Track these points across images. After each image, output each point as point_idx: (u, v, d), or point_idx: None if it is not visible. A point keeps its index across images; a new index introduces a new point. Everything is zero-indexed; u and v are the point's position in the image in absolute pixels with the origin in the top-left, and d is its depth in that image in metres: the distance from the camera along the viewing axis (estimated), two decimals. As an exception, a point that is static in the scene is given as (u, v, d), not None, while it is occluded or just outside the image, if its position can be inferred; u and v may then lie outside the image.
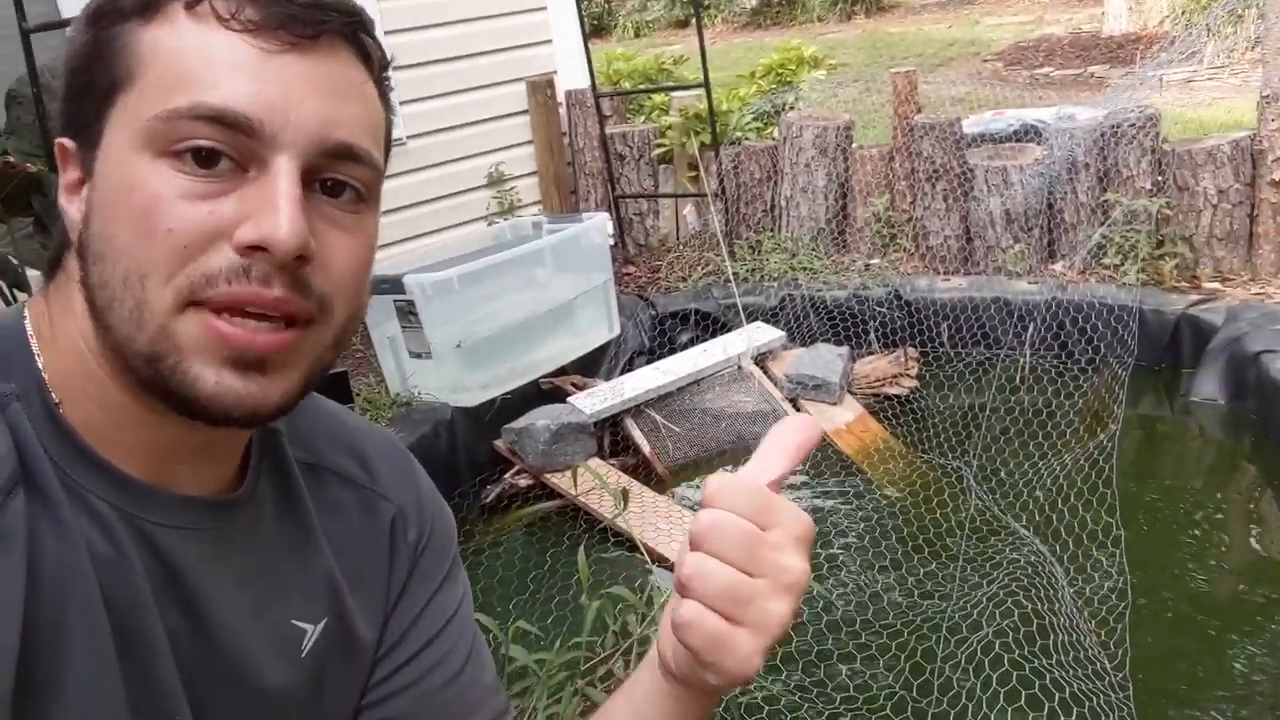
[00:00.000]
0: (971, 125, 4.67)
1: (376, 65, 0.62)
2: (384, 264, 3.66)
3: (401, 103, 4.35)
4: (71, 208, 0.60)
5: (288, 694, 0.70)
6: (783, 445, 0.62)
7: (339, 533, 0.76)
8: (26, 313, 0.63)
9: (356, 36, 0.60)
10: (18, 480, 0.56)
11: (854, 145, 4.49)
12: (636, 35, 12.27)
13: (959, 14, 11.46)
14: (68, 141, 0.61)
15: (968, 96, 6.27)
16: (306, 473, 0.75)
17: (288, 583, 0.71)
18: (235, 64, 0.55)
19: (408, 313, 3.33)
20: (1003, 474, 3.02)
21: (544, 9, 4.82)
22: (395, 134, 3.88)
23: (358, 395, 3.44)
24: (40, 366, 0.61)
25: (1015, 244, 4.07)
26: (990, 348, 3.86)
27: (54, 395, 0.60)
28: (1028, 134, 4.58)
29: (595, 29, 12.57)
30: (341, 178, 0.59)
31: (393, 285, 3.30)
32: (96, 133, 0.58)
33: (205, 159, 0.55)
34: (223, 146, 0.55)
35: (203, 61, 0.55)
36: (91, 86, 0.58)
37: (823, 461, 3.25)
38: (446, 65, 4.49)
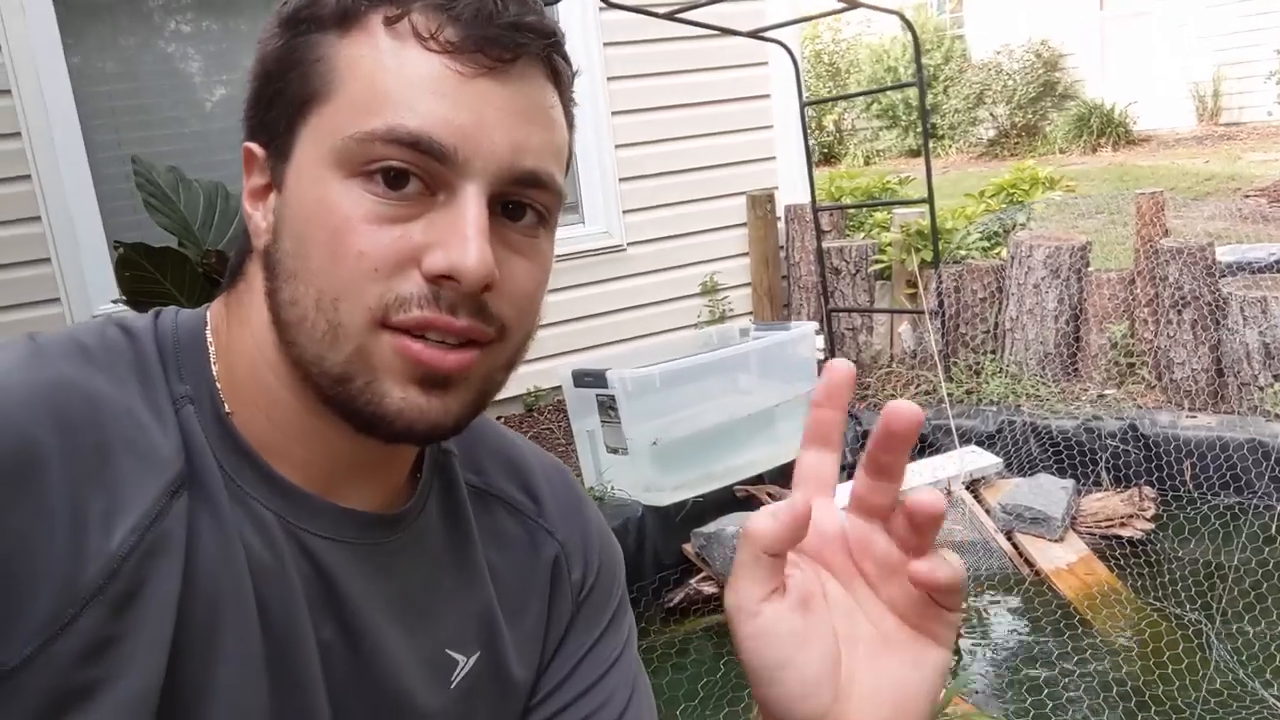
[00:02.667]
0: (1227, 253, 4.30)
1: (566, 83, 0.62)
2: (591, 361, 3.72)
3: (624, 212, 4.51)
4: (257, 214, 0.61)
5: None
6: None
7: (501, 564, 0.72)
8: (208, 317, 0.64)
9: (551, 59, 0.59)
10: (183, 482, 0.56)
11: (1090, 268, 4.22)
12: (866, 163, 12.30)
13: (1218, 149, 10.77)
14: (256, 147, 0.61)
15: (1226, 231, 5.82)
16: (475, 497, 0.73)
17: (444, 609, 0.68)
18: (432, 88, 0.55)
19: (608, 407, 3.36)
20: (1251, 635, 2.63)
21: (770, 127, 4.90)
22: (615, 241, 4.04)
23: (553, 486, 3.47)
24: (215, 373, 0.61)
25: (1275, 382, 3.65)
26: (1241, 493, 3.43)
27: (225, 402, 0.61)
28: (1293, 265, 4.16)
29: (825, 156, 12.72)
30: (525, 200, 0.59)
31: (596, 379, 3.34)
32: (287, 144, 0.59)
33: (394, 180, 0.55)
34: (414, 169, 0.55)
35: (400, 83, 0.55)
36: (284, 96, 0.59)
37: (1039, 601, 2.95)
38: (670, 178, 4.62)
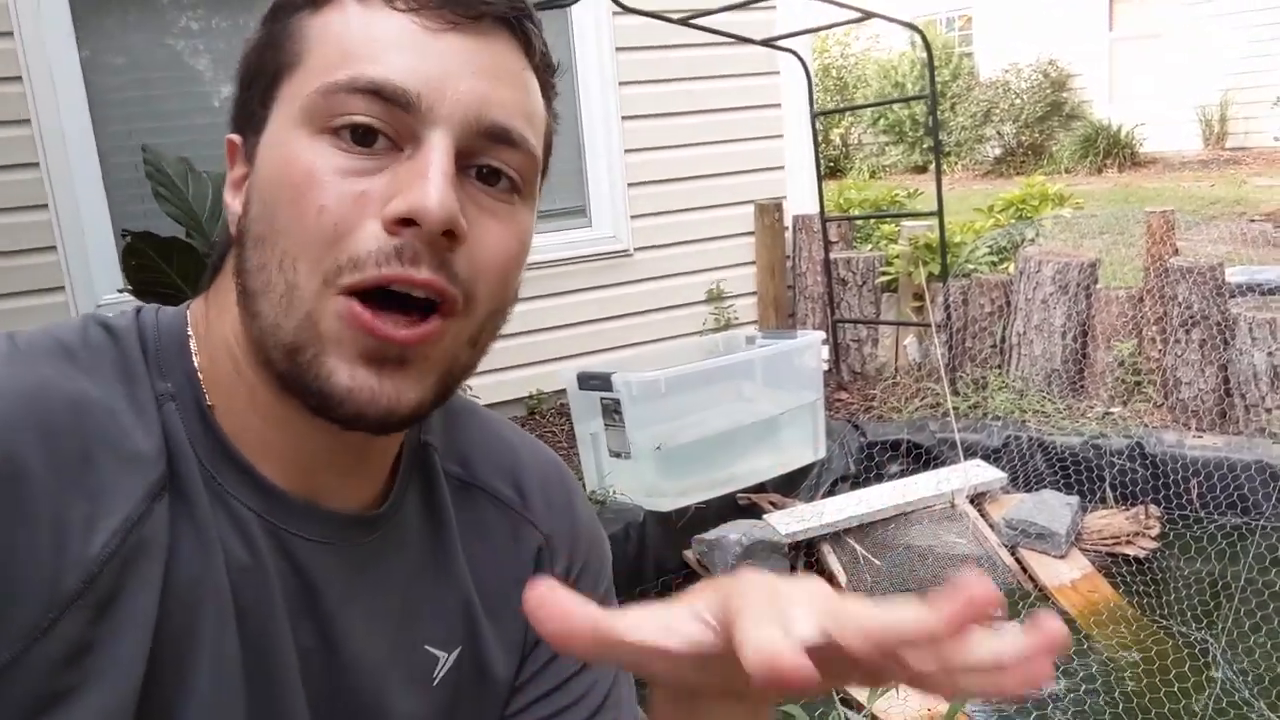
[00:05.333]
0: (1236, 274, 4.28)
1: (538, 56, 0.61)
2: (596, 365, 3.70)
3: (632, 217, 4.50)
4: (235, 202, 0.60)
5: None
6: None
7: (483, 558, 0.70)
8: (188, 313, 0.64)
9: (520, 24, 0.59)
10: (165, 484, 0.55)
11: (1099, 285, 4.21)
12: (872, 177, 12.31)
13: (1224, 173, 10.78)
14: (235, 137, 0.61)
15: (1231, 255, 5.81)
16: (458, 490, 0.71)
17: (424, 605, 0.67)
18: (397, 41, 0.55)
19: (612, 411, 3.34)
20: (1257, 655, 2.61)
21: (780, 136, 4.90)
22: (622, 245, 4.02)
23: (555, 489, 3.45)
24: (196, 367, 0.60)
25: (1283, 404, 3.63)
26: (1246, 514, 3.41)
27: (207, 397, 0.59)
28: (1301, 288, 4.14)
29: (831, 170, 12.73)
30: (497, 164, 0.57)
31: (601, 382, 3.32)
32: (262, 119, 0.58)
33: (363, 136, 0.54)
34: (380, 123, 0.54)
35: (366, 40, 0.55)
36: (260, 76, 0.59)
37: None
38: (679, 184, 4.61)
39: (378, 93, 0.54)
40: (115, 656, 0.52)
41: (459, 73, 0.56)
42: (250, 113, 0.60)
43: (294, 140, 0.56)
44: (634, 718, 0.75)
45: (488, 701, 0.71)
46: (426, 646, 0.67)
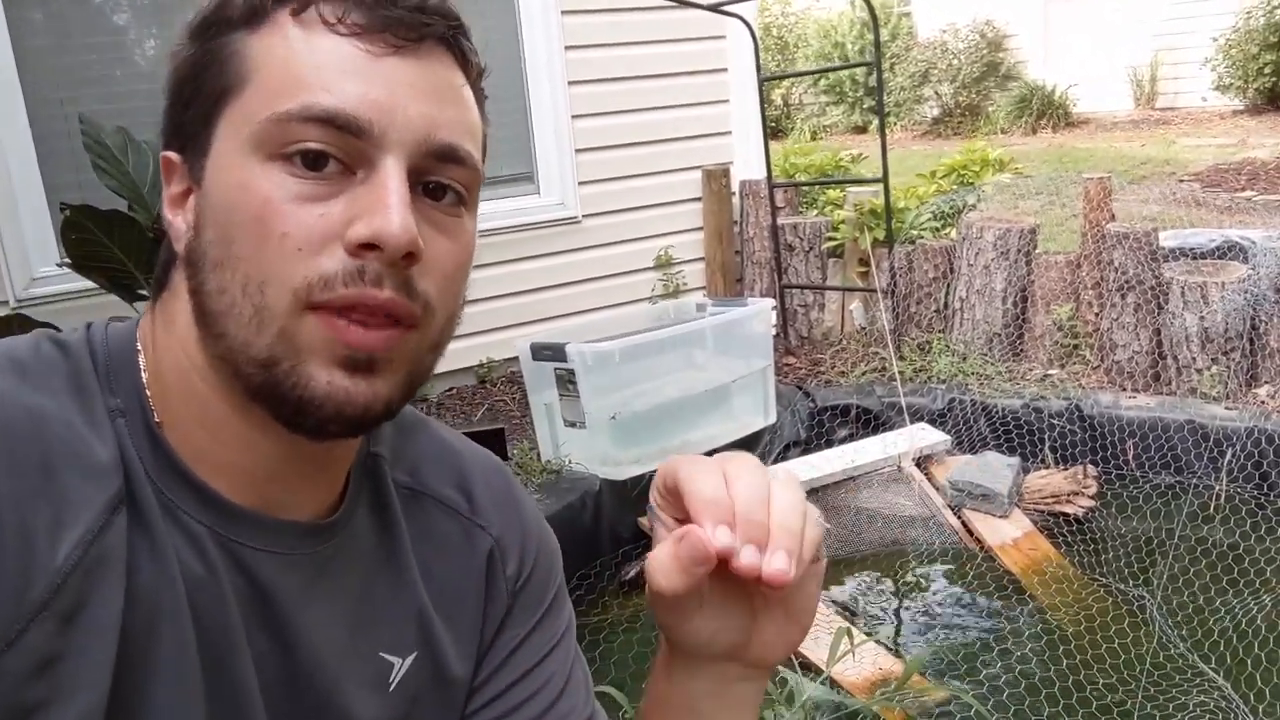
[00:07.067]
0: (1169, 238, 4.41)
1: (474, 71, 0.63)
2: (548, 334, 3.70)
3: (580, 183, 4.48)
4: (178, 219, 0.61)
5: None
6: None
7: (435, 563, 0.73)
8: (137, 330, 0.64)
9: (456, 41, 0.61)
10: (122, 498, 0.56)
11: (1038, 250, 4.31)
12: (813, 138, 12.36)
13: (1154, 133, 11.03)
14: (173, 155, 0.61)
15: (1161, 215, 5.97)
16: (408, 499, 0.73)
17: (378, 612, 0.69)
18: (343, 67, 0.56)
19: (567, 381, 3.34)
20: (1190, 609, 2.73)
21: (726, 101, 4.90)
22: (570, 213, 4.01)
23: (510, 460, 3.46)
24: (145, 382, 0.61)
25: (1213, 365, 3.77)
26: (1180, 473, 3.55)
27: (155, 413, 0.60)
28: (1230, 251, 4.28)
29: (773, 131, 12.68)
30: (444, 181, 0.60)
31: (554, 353, 3.32)
32: (205, 140, 0.59)
33: (314, 161, 0.56)
34: (331, 149, 0.56)
35: (312, 65, 0.56)
36: (200, 96, 0.59)
37: (989, 575, 3.02)
38: (626, 150, 4.60)
39: (330, 121, 0.55)
40: (82, 669, 0.52)
41: (406, 97, 0.57)
42: (190, 132, 0.60)
43: (245, 166, 0.56)
44: (589, 708, 0.78)
45: (446, 704, 0.73)
46: (381, 653, 0.69)
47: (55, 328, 0.67)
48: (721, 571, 0.57)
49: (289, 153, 0.56)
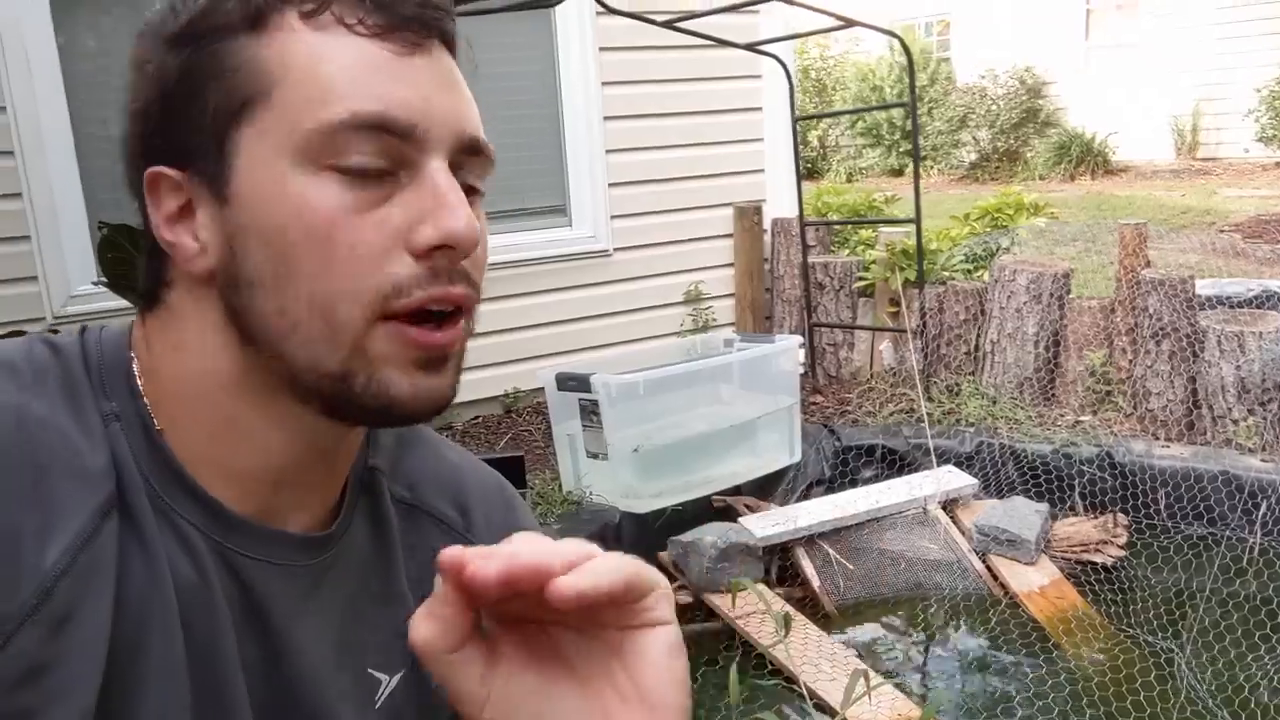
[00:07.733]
0: (1206, 287, 4.35)
1: (463, 61, 0.64)
2: (574, 365, 3.71)
3: (612, 217, 4.51)
4: (184, 238, 0.58)
5: None
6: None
7: (427, 580, 0.72)
8: (129, 335, 0.63)
9: (452, 35, 0.61)
10: (114, 503, 0.55)
11: (1071, 295, 4.26)
12: (849, 180, 12.37)
13: (1195, 183, 10.93)
14: (166, 170, 0.58)
15: (1200, 265, 5.90)
16: (404, 514, 0.72)
17: (368, 628, 0.68)
18: (377, 70, 0.56)
19: (590, 412, 3.34)
20: (1220, 665, 2.66)
21: (760, 139, 4.92)
22: (602, 246, 4.04)
23: (531, 489, 3.45)
24: (140, 389, 0.60)
25: (1249, 416, 3.70)
26: (1212, 525, 3.47)
27: (155, 420, 0.60)
28: (1269, 301, 4.22)
29: (808, 171, 12.77)
30: (473, 183, 0.61)
31: (579, 383, 3.33)
32: (220, 154, 0.56)
33: (363, 169, 0.55)
34: (382, 156, 0.56)
35: (343, 70, 0.55)
36: (204, 110, 0.57)
37: (1013, 623, 2.96)
38: (659, 185, 4.63)
39: (381, 126, 0.55)
40: (72, 676, 0.51)
41: (436, 95, 0.58)
42: (191, 146, 0.57)
43: (292, 179, 0.55)
44: None
45: None
46: (369, 669, 0.68)
47: None
48: (523, 637, 0.54)
49: (343, 165, 0.55)
